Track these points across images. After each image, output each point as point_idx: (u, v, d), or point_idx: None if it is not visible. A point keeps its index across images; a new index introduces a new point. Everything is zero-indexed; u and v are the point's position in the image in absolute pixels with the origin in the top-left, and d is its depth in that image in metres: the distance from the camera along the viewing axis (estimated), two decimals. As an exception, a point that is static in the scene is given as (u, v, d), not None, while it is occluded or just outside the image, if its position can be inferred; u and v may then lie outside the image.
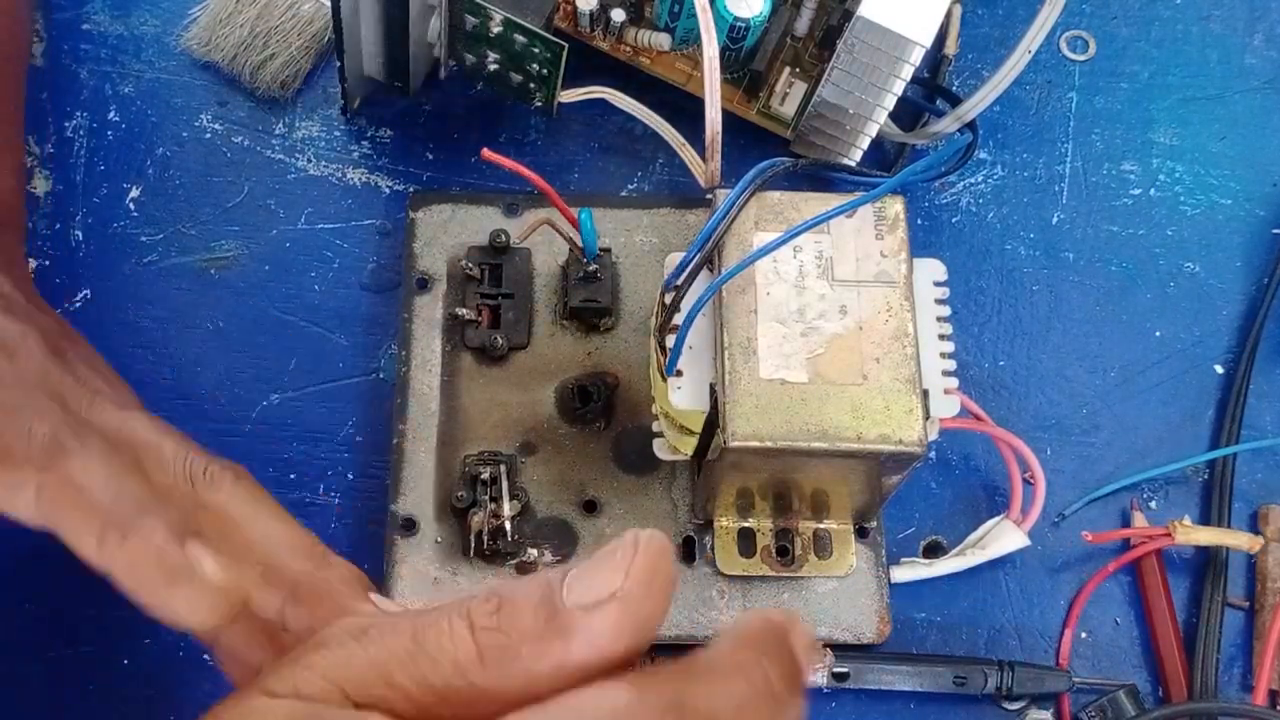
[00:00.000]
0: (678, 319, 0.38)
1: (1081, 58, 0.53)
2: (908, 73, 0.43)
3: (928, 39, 0.42)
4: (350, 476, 0.45)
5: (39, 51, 0.50)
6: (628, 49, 0.49)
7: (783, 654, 0.24)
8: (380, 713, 0.24)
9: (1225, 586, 0.45)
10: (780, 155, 0.40)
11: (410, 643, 0.25)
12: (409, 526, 0.43)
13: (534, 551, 0.43)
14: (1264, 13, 0.54)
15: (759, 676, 0.23)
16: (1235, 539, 0.45)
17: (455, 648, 0.24)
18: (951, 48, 0.52)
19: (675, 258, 0.39)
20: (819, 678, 0.42)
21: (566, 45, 0.43)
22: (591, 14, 0.47)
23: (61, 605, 0.43)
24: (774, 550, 0.43)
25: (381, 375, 0.46)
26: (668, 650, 0.42)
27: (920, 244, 0.49)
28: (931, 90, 0.50)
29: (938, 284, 0.40)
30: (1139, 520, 0.46)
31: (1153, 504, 0.47)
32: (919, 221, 0.50)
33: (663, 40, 0.48)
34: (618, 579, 0.23)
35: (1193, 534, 0.44)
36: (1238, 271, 0.50)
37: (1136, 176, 0.51)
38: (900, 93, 0.44)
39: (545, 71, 0.45)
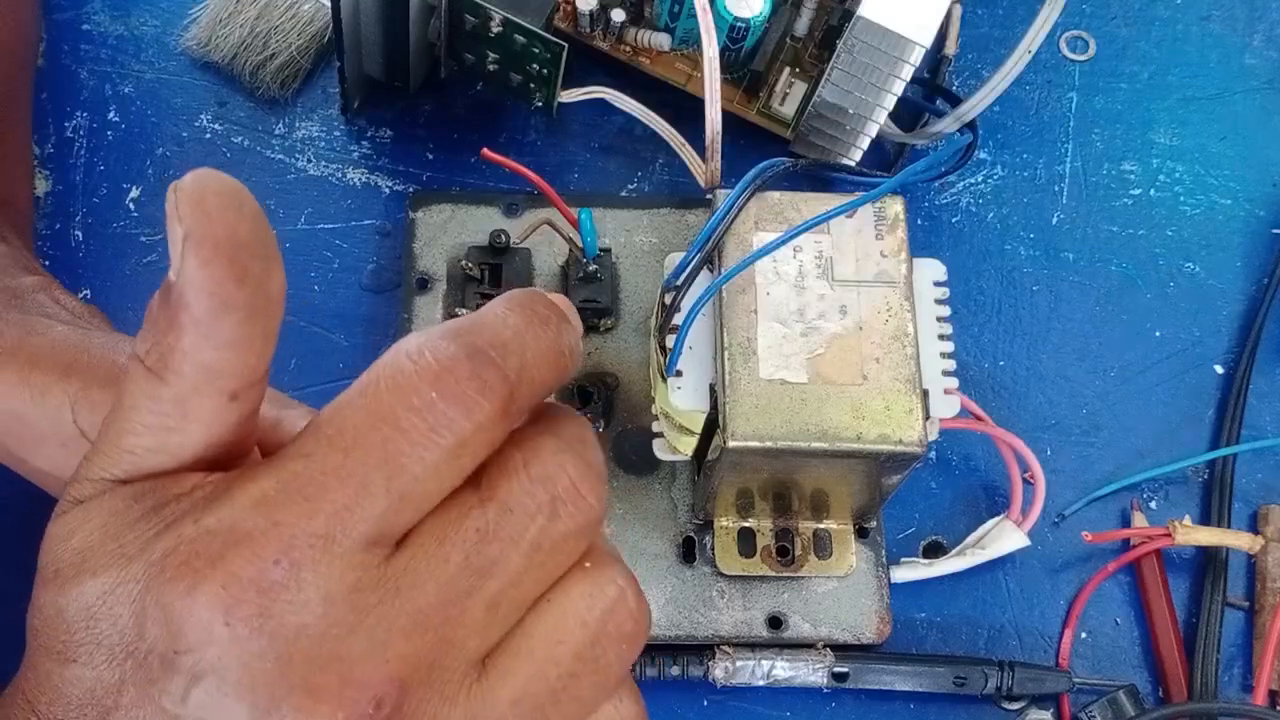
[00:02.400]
0: (678, 319, 0.38)
1: (1081, 58, 0.53)
2: (908, 73, 0.43)
3: (928, 39, 0.42)
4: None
5: (39, 51, 0.50)
6: (628, 49, 0.49)
7: (541, 295, 0.27)
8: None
9: (1225, 587, 0.45)
10: (780, 155, 0.40)
11: (116, 412, 0.25)
12: (409, 527, 0.43)
13: (534, 552, 0.43)
14: (1264, 13, 0.54)
15: (526, 310, 0.26)
16: (1235, 539, 0.45)
17: (135, 387, 0.24)
18: (951, 48, 0.52)
19: (675, 258, 0.39)
20: (819, 677, 0.42)
21: (566, 45, 0.43)
22: (591, 14, 0.47)
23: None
24: (774, 550, 0.43)
25: (381, 375, 0.46)
26: (668, 650, 0.42)
27: (920, 244, 0.49)
28: (931, 90, 0.50)
29: (938, 284, 0.40)
30: (1139, 520, 0.46)
31: (1153, 504, 0.47)
32: (919, 222, 0.50)
33: (663, 40, 0.48)
34: (178, 226, 0.23)
35: (1193, 534, 0.44)
36: (1238, 272, 0.50)
37: (1136, 176, 0.52)
38: (900, 93, 0.44)
39: (545, 72, 0.45)
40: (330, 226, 0.48)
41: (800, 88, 0.48)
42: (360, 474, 0.23)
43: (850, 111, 0.45)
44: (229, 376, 0.24)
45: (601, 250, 0.45)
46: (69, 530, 0.25)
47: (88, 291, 0.47)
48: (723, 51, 0.44)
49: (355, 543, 0.23)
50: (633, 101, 0.46)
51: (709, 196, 0.41)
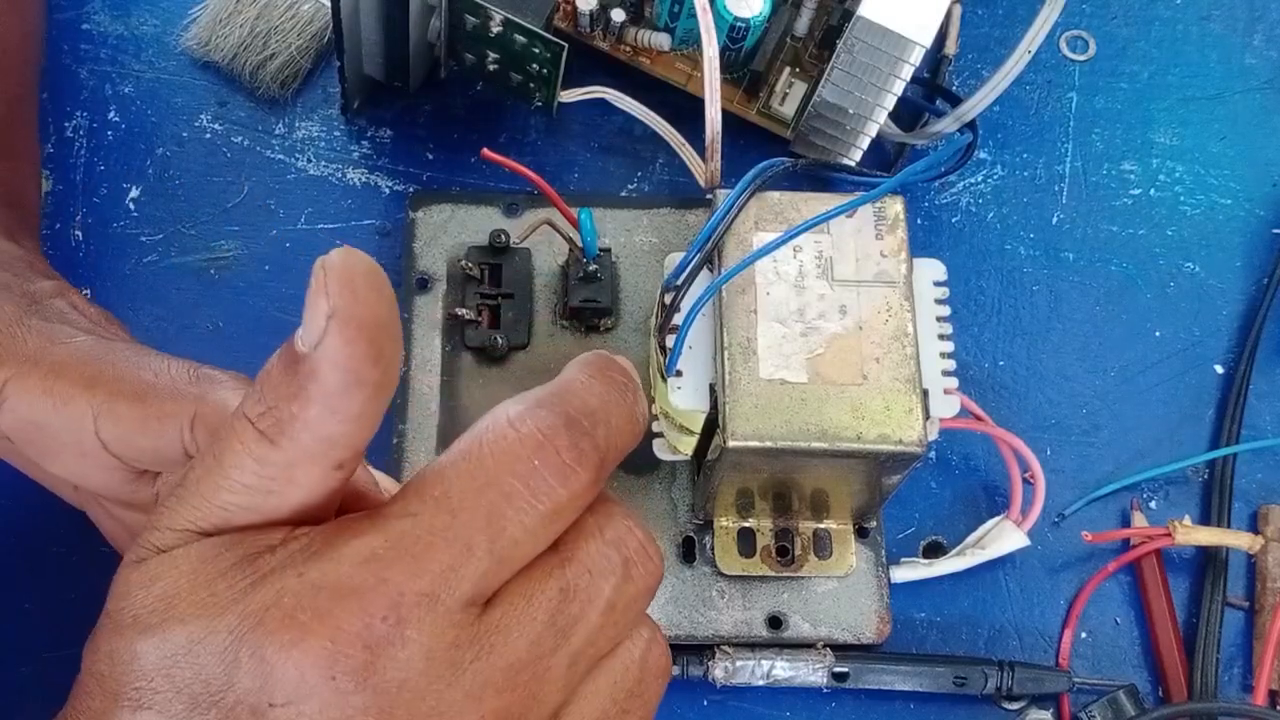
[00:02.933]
0: (678, 319, 0.38)
1: (1081, 58, 0.53)
2: (907, 73, 0.43)
3: (927, 39, 0.42)
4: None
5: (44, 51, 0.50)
6: (628, 49, 0.49)
7: (617, 361, 0.28)
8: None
9: (1225, 586, 0.45)
10: (780, 155, 0.41)
11: (214, 469, 0.25)
12: (409, 526, 0.43)
13: (534, 551, 0.43)
14: (1264, 13, 0.54)
15: (608, 378, 0.27)
16: (1235, 539, 0.45)
17: (243, 448, 0.25)
18: (951, 48, 0.52)
19: (675, 258, 0.39)
20: (819, 677, 0.42)
21: (566, 45, 0.43)
22: (591, 14, 0.47)
23: (60, 606, 0.43)
24: (774, 550, 0.43)
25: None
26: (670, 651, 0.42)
27: (920, 244, 0.49)
28: (931, 90, 0.50)
29: (937, 284, 0.40)
30: (1139, 520, 0.46)
31: (1153, 504, 0.47)
32: (919, 221, 0.50)
33: (663, 40, 0.48)
34: (323, 302, 0.24)
35: (1193, 534, 0.44)
36: (1238, 271, 0.50)
37: (1136, 176, 0.52)
38: (900, 93, 0.44)
39: (545, 71, 0.45)
40: (330, 226, 0.48)
41: (800, 88, 0.48)
42: (466, 536, 0.25)
43: (850, 111, 0.45)
44: (343, 448, 0.25)
45: (601, 250, 0.45)
46: (152, 577, 0.25)
47: (88, 291, 0.47)
48: (722, 51, 0.44)
49: (457, 602, 0.24)
50: (633, 101, 0.46)
51: (709, 196, 0.41)
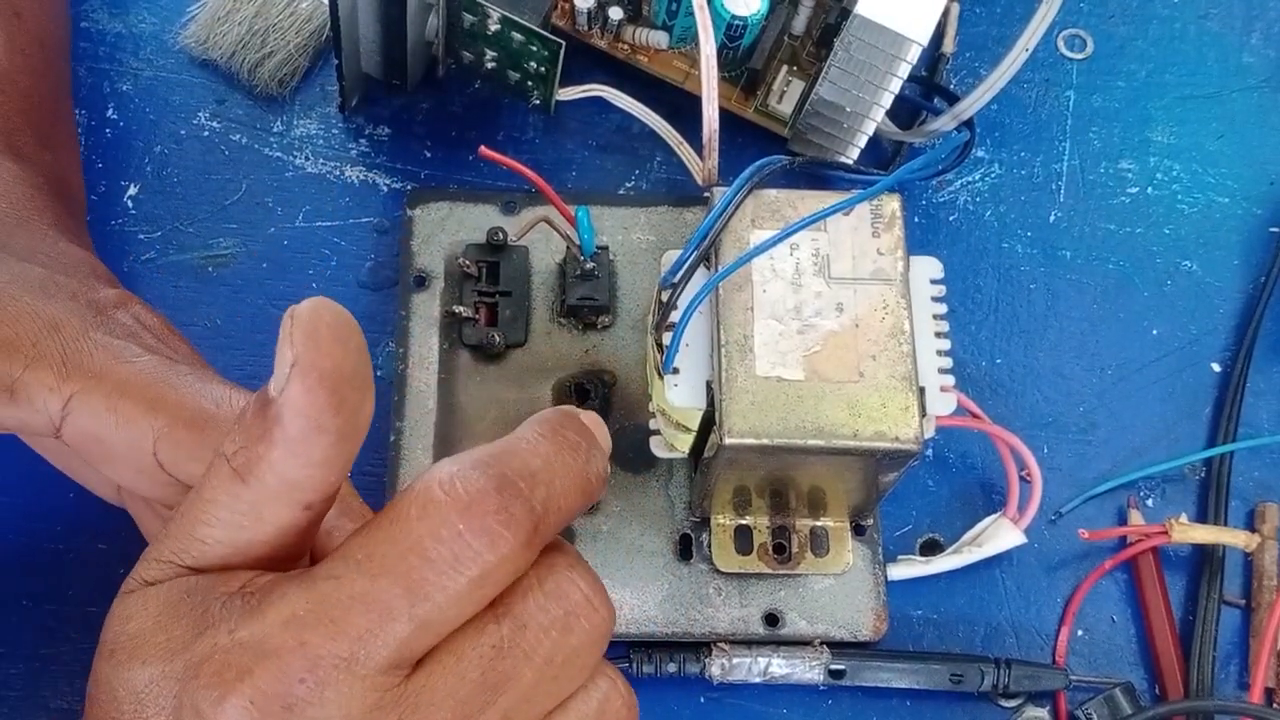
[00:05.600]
0: (674, 316, 0.38)
1: (1079, 56, 0.53)
2: (905, 71, 0.43)
3: (925, 37, 0.42)
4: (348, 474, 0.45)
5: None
6: (625, 47, 0.49)
7: (574, 418, 0.28)
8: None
9: (1222, 584, 0.45)
10: (777, 153, 0.41)
11: (195, 501, 0.26)
12: (406, 524, 0.43)
13: (531, 549, 0.43)
14: (1261, 11, 0.54)
15: (558, 438, 0.27)
16: (1232, 537, 0.45)
17: (218, 483, 0.26)
18: (949, 46, 0.52)
19: (672, 255, 0.39)
20: (815, 675, 0.42)
21: (564, 43, 0.43)
22: (589, 12, 0.47)
23: (60, 604, 0.43)
24: (771, 547, 0.43)
25: (379, 373, 0.46)
26: (664, 648, 0.42)
27: (917, 242, 0.49)
28: (929, 88, 0.50)
29: (934, 282, 0.40)
30: (1136, 518, 0.46)
31: (1149, 502, 0.47)
32: (916, 219, 0.50)
33: (660, 38, 0.48)
34: (288, 351, 0.25)
35: (1189, 532, 0.44)
36: (1235, 270, 0.50)
37: (1134, 175, 0.52)
38: (897, 91, 0.44)
39: (543, 69, 0.45)
40: (328, 224, 0.49)
41: (798, 86, 0.48)
42: (385, 601, 0.25)
43: (847, 109, 0.45)
44: (308, 490, 0.26)
45: (599, 248, 0.45)
46: (128, 614, 0.27)
47: (86, 289, 0.47)
48: (720, 49, 0.44)
49: (377, 666, 0.25)
50: (630, 99, 0.46)
51: (706, 194, 0.41)
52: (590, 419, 0.29)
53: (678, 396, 0.38)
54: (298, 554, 0.28)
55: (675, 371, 0.38)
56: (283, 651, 0.24)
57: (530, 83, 0.46)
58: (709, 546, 0.43)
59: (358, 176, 0.49)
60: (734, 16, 0.45)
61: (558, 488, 0.26)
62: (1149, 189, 0.51)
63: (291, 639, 0.24)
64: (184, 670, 0.25)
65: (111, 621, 0.27)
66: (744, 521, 0.43)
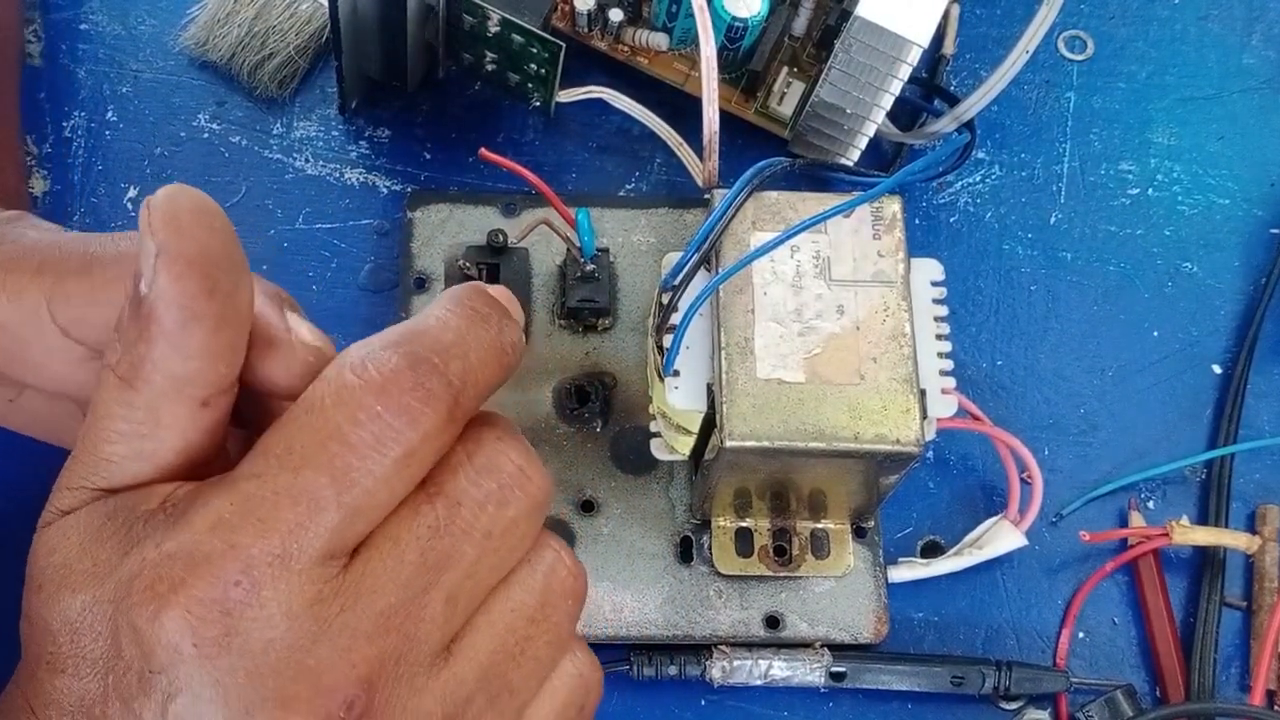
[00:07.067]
0: (675, 319, 0.38)
1: (1079, 57, 0.53)
2: (905, 73, 0.43)
3: (925, 39, 0.42)
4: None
5: (37, 51, 0.50)
6: (625, 49, 0.49)
7: (482, 292, 0.27)
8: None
9: (1223, 586, 0.45)
10: (778, 155, 0.40)
11: (92, 420, 0.26)
12: (406, 526, 0.43)
13: (531, 551, 0.43)
14: (1262, 12, 0.54)
15: (467, 311, 0.27)
16: (1233, 539, 0.45)
17: (109, 395, 0.25)
18: (949, 48, 0.52)
19: (673, 257, 0.39)
20: (816, 677, 0.42)
21: (564, 45, 0.43)
22: (589, 14, 0.47)
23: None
24: (771, 550, 0.43)
25: (379, 375, 0.46)
26: (665, 650, 0.42)
27: (918, 244, 0.49)
28: (929, 90, 0.50)
29: (935, 284, 0.40)
30: (1137, 520, 0.46)
31: (1150, 504, 0.47)
32: (917, 221, 0.50)
33: (660, 40, 0.48)
34: (150, 242, 0.24)
35: (1190, 534, 0.44)
36: (1236, 271, 0.50)
37: (1134, 176, 0.51)
38: (898, 93, 0.44)
39: (543, 71, 0.45)
40: (328, 226, 0.48)
41: (798, 87, 0.48)
42: (311, 492, 0.24)
43: (848, 111, 0.45)
44: (199, 385, 0.25)
45: (599, 250, 0.45)
46: (51, 546, 0.26)
47: (85, 291, 0.47)
48: (720, 51, 0.44)
49: (311, 558, 0.24)
50: (630, 101, 0.46)
51: (707, 196, 0.41)
52: (498, 291, 0.28)
53: (678, 399, 0.38)
54: (210, 457, 0.27)
55: (676, 374, 0.38)
56: (213, 556, 0.24)
57: (530, 84, 0.46)
58: (710, 549, 0.43)
59: (358, 178, 0.49)
60: (734, 18, 0.45)
61: (473, 360, 0.26)
62: (1149, 190, 0.51)
63: (220, 542, 0.24)
64: (115, 591, 0.24)
65: (35, 558, 0.26)
66: (745, 524, 0.43)
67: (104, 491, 0.26)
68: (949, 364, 0.38)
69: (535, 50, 0.44)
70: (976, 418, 0.45)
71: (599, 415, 0.45)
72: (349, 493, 0.24)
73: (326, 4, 0.44)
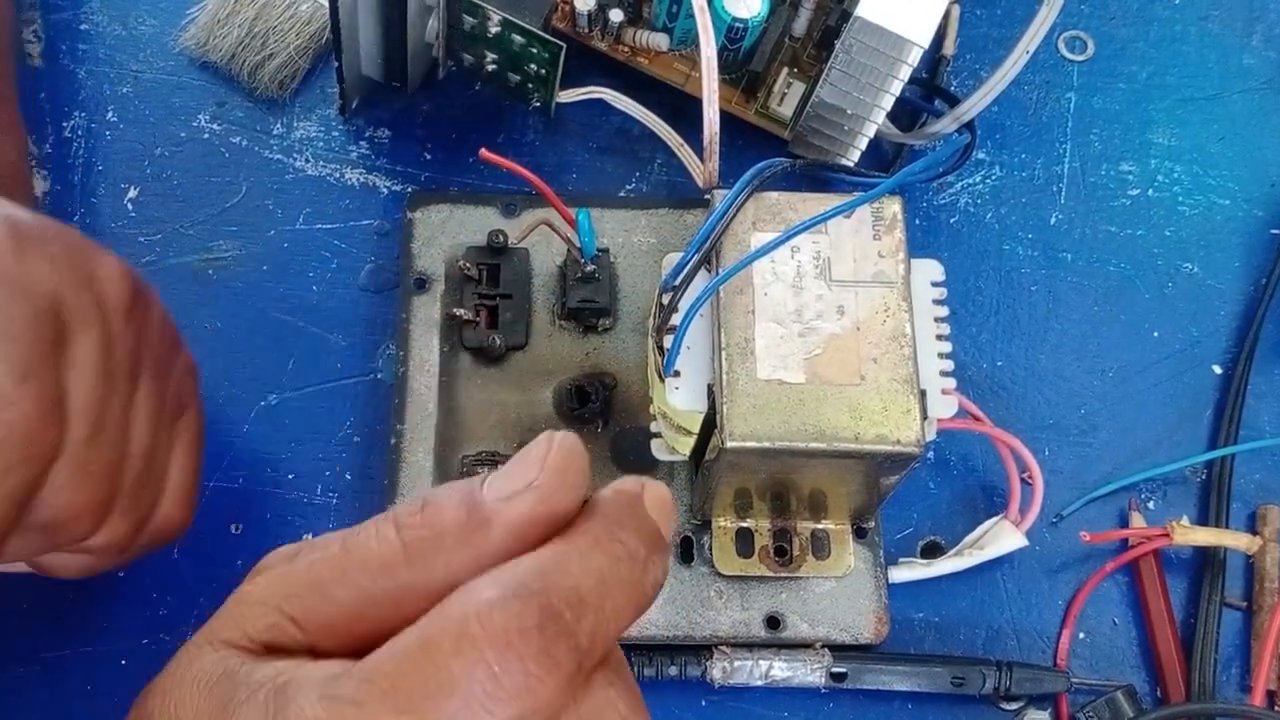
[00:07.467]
0: (675, 319, 0.38)
1: (1080, 58, 0.53)
2: (906, 73, 0.43)
3: (926, 39, 0.42)
4: (348, 477, 0.45)
5: (37, 51, 0.50)
6: (626, 49, 0.49)
7: (637, 517, 0.26)
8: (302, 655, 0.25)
9: (1223, 587, 0.45)
10: (778, 156, 0.40)
11: (340, 551, 0.25)
12: (407, 527, 0.43)
13: (532, 552, 0.43)
14: (1262, 13, 0.54)
15: (616, 547, 0.25)
16: (1233, 539, 0.45)
17: (382, 549, 0.25)
18: (949, 48, 0.52)
19: (673, 258, 0.39)
20: (817, 678, 0.42)
21: (564, 46, 0.43)
22: (589, 14, 0.47)
23: (59, 605, 0.43)
24: (772, 550, 0.43)
25: (379, 376, 0.46)
26: (666, 650, 0.42)
27: (918, 244, 0.49)
28: (930, 91, 0.50)
29: (935, 284, 0.40)
30: (1137, 520, 0.46)
31: (1151, 504, 0.47)
32: (917, 222, 0.50)
33: (661, 40, 0.48)
34: (534, 472, 0.25)
35: (1191, 534, 0.44)
36: (1236, 272, 0.50)
37: (1135, 177, 0.52)
38: (898, 93, 0.44)
39: (543, 72, 0.45)
40: (328, 226, 0.48)
41: (798, 88, 0.48)
42: None
43: (848, 112, 0.45)
44: (449, 589, 0.25)
45: (599, 250, 0.45)
46: (183, 669, 0.26)
47: (86, 291, 0.47)
48: (721, 51, 0.44)
49: None
50: (631, 102, 0.46)
51: (707, 197, 0.41)
52: (659, 499, 0.27)
53: (679, 399, 0.38)
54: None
55: (676, 374, 0.38)
56: None
57: (531, 85, 0.46)
58: (710, 549, 0.43)
59: (358, 179, 0.49)
60: (734, 19, 0.45)
61: (608, 611, 0.24)
62: (1150, 191, 0.51)
63: None
64: None
65: (173, 664, 0.26)
66: (745, 524, 0.43)
67: (241, 649, 0.25)
68: (949, 364, 0.38)
69: (535, 50, 0.44)
70: (977, 418, 0.45)
71: (599, 416, 0.45)
72: None
73: (326, 4, 0.44)
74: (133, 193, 0.49)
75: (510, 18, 0.43)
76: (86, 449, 0.32)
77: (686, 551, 0.43)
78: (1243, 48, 0.54)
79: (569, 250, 0.45)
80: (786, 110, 0.48)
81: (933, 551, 0.45)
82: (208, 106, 0.50)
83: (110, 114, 0.50)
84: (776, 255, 0.38)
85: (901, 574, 0.44)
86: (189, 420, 0.38)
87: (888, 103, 0.44)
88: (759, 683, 0.42)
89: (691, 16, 0.43)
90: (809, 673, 0.42)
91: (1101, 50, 0.53)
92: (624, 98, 0.46)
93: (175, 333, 0.38)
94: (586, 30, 0.48)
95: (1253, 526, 0.46)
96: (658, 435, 0.41)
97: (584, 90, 0.46)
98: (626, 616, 0.25)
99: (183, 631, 0.43)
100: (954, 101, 0.49)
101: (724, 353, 0.37)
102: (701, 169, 0.45)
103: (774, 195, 0.39)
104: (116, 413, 0.33)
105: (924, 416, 0.37)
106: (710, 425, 0.38)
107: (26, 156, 0.47)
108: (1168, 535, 0.44)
